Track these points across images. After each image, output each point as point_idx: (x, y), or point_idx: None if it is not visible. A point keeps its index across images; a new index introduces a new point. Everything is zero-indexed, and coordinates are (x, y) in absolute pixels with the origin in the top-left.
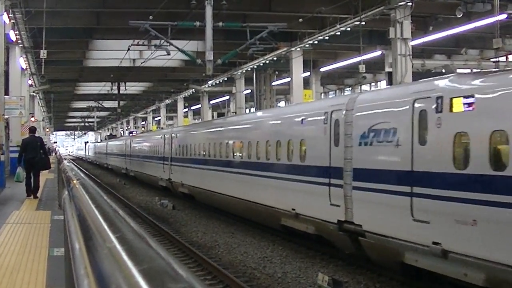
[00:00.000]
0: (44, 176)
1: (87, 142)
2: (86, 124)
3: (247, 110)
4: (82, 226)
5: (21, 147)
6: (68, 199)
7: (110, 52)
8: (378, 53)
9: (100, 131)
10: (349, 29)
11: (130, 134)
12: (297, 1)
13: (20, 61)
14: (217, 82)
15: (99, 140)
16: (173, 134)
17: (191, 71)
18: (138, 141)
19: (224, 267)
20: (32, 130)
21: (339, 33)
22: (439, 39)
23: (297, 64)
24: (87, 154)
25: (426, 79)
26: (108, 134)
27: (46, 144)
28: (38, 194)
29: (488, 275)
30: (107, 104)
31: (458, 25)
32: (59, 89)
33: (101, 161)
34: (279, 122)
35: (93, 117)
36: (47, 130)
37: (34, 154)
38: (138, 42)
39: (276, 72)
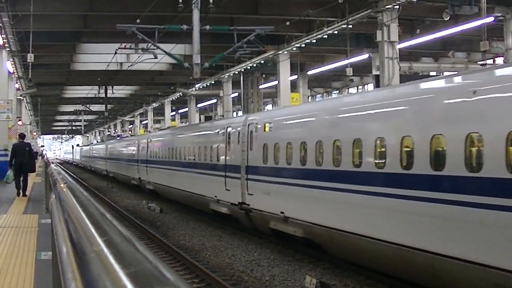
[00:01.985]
0: (32, 179)
1: (78, 145)
2: (73, 127)
3: (235, 114)
4: (69, 229)
5: (11, 151)
6: (55, 203)
7: (97, 56)
8: (365, 56)
9: (87, 135)
10: (336, 32)
11: (118, 138)
12: (284, 5)
13: (7, 65)
14: (205, 85)
15: (93, 142)
16: (254, 125)
17: (178, 74)
18: (166, 140)
19: (211, 270)
20: (22, 136)
21: (326, 36)
22: (426, 42)
23: (284, 67)
24: (79, 158)
25: None
26: (108, 134)
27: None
28: (27, 193)
29: None
30: (94, 107)
31: (445, 28)
32: (46, 93)
33: (97, 167)
34: None
35: (80, 120)
36: (34, 133)
37: (23, 158)
38: (125, 46)
39: (264, 75)
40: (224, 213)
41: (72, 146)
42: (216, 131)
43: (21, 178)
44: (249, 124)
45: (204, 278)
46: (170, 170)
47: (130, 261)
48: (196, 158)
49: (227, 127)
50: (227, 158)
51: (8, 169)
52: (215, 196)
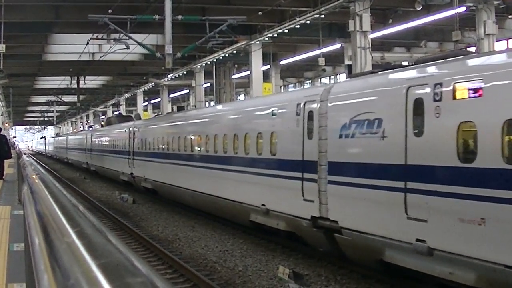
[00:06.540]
0: (4, 170)
1: (57, 134)
2: (46, 118)
3: (207, 104)
4: (41, 221)
5: None
6: (27, 194)
7: (69, 46)
8: (337, 46)
9: (60, 126)
10: (308, 22)
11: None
12: None
13: None
14: (177, 76)
15: (88, 127)
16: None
17: (151, 64)
18: None
19: (184, 261)
20: None
21: (298, 26)
22: (399, 32)
23: (256, 57)
24: (64, 151)
25: None
26: (117, 112)
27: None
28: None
29: None
30: (67, 98)
31: (417, 18)
32: (18, 84)
33: (106, 169)
34: None
35: (53, 111)
36: (6, 124)
37: (0, 147)
38: (97, 36)
39: (236, 66)
40: None
41: (44, 137)
42: None
43: None
44: None
45: (177, 269)
46: None
47: (102, 252)
48: None
49: None
50: None
51: None
52: None
